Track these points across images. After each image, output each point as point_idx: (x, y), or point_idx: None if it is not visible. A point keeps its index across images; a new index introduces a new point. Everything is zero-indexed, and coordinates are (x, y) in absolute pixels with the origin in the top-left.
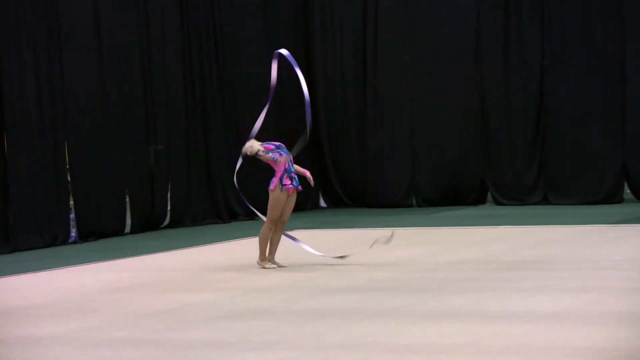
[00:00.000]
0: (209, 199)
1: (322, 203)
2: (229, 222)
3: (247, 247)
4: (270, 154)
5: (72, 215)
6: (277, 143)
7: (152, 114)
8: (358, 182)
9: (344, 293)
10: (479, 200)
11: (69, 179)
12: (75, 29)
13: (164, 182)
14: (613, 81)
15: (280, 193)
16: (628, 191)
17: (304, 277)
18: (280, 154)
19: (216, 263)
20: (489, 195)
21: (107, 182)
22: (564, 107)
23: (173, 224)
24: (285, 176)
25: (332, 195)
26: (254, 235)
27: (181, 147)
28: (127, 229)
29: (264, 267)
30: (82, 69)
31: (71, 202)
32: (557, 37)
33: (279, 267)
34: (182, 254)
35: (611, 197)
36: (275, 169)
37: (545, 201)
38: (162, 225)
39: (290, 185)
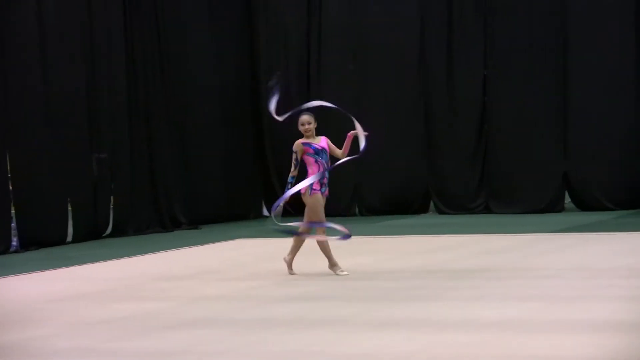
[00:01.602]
0: (152, 208)
1: (265, 212)
2: (172, 231)
3: (190, 257)
4: (311, 158)
5: (13, 224)
6: (320, 147)
7: (95, 123)
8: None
9: (290, 302)
10: (422, 209)
11: (11, 187)
12: (18, 36)
13: (107, 190)
14: (555, 91)
15: (312, 197)
16: (569, 200)
17: (249, 286)
18: (316, 160)
19: (160, 272)
20: (432, 204)
21: (50, 191)
22: (506, 116)
23: (116, 233)
24: (316, 181)
25: None
26: (198, 244)
27: (125, 156)
28: (70, 238)
29: (337, 274)
30: (24, 77)
31: (12, 211)
32: (501, 47)
33: (291, 274)
34: (126, 263)
35: (553, 206)
36: (308, 171)
37: (487, 210)
38: (105, 234)
39: (319, 192)
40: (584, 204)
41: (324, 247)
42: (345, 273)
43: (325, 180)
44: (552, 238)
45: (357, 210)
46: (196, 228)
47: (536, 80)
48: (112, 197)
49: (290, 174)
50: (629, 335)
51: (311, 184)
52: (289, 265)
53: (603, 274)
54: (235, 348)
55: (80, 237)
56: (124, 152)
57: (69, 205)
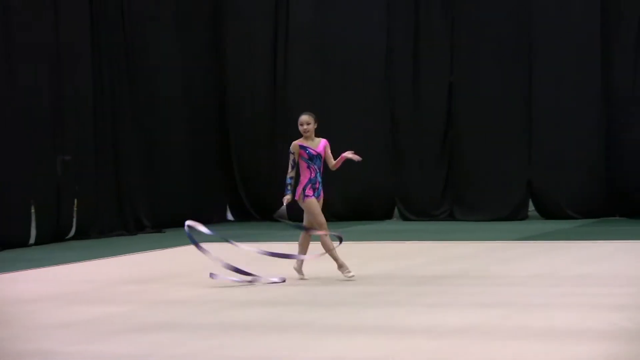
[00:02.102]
0: (116, 211)
1: (230, 216)
2: (136, 234)
3: (154, 260)
4: (305, 162)
5: None
6: (315, 152)
7: (60, 124)
8: (266, 196)
9: (255, 306)
10: (386, 216)
11: None
12: None
13: (70, 193)
14: (520, 99)
15: (306, 201)
16: (532, 208)
17: (214, 290)
18: (309, 166)
19: (123, 275)
20: (396, 211)
21: (13, 193)
22: (471, 124)
23: (79, 236)
24: (308, 187)
25: (240, 209)
26: (161, 248)
27: (89, 159)
28: (32, 240)
29: (347, 277)
30: None
31: None
32: (466, 56)
33: (302, 278)
34: (89, 266)
35: (516, 214)
36: (300, 175)
37: (451, 217)
38: (68, 237)
39: (312, 197)
40: (548, 212)
41: (329, 248)
42: (351, 274)
43: (318, 185)
44: (515, 246)
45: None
46: (160, 232)
47: (501, 88)
48: (75, 199)
49: (288, 175)
50: (591, 343)
51: (304, 190)
52: (299, 271)
53: (565, 282)
54: (197, 352)
55: (43, 239)
56: (89, 154)
57: (32, 207)
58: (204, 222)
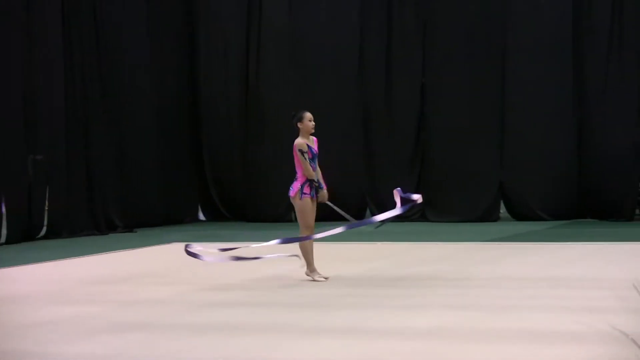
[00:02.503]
0: (88, 210)
1: (202, 216)
2: (107, 234)
3: (125, 260)
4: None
5: None
6: (316, 152)
7: (32, 124)
8: (239, 196)
9: (224, 308)
10: (358, 217)
11: None
12: None
13: (42, 192)
14: (492, 101)
15: (303, 200)
16: (504, 210)
17: (182, 290)
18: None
19: (94, 275)
20: (368, 212)
21: None
22: (444, 125)
23: (50, 235)
24: (307, 185)
25: (212, 208)
26: (133, 247)
27: (61, 158)
28: (3, 239)
29: (315, 280)
30: None
31: None
32: (439, 56)
33: (325, 278)
34: (60, 266)
35: (488, 216)
36: (299, 174)
37: (423, 218)
38: (39, 236)
39: (309, 196)
40: (519, 214)
41: (306, 249)
42: (323, 279)
43: (315, 184)
44: (487, 247)
45: (293, 216)
46: (132, 231)
47: (473, 90)
48: (47, 199)
49: (313, 177)
50: (564, 345)
51: (301, 188)
52: (314, 274)
53: (538, 284)
54: (168, 353)
55: (14, 238)
56: (60, 154)
57: (3, 207)
58: (176, 223)
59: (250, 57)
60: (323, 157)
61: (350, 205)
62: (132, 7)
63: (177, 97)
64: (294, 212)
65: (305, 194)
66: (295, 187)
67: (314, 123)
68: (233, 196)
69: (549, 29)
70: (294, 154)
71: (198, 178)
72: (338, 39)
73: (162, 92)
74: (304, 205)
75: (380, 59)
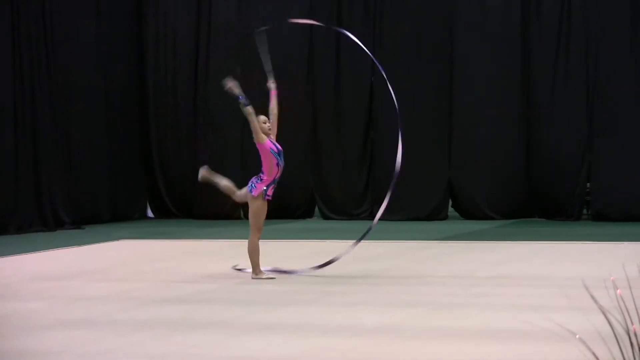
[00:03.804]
0: (35, 206)
1: (150, 213)
2: (55, 230)
3: (73, 257)
4: (275, 158)
5: None
6: (280, 148)
7: None
8: (187, 192)
9: (170, 304)
10: (307, 214)
11: None
12: None
13: None
14: (441, 99)
15: (263, 202)
16: (452, 209)
17: (129, 287)
18: (278, 164)
19: (40, 272)
20: (317, 209)
21: None
22: (392, 123)
23: None
24: (271, 187)
25: (160, 205)
26: (81, 244)
27: (8, 154)
28: None
29: (261, 279)
30: None
31: None
32: (388, 52)
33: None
34: (5, 262)
35: (436, 214)
36: (265, 172)
37: (372, 216)
38: None
39: (269, 198)
40: (467, 213)
41: (255, 251)
42: (272, 277)
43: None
44: (434, 245)
45: (241, 213)
46: (79, 228)
47: (422, 88)
48: None
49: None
50: (508, 342)
51: (266, 189)
52: (260, 275)
53: (483, 282)
54: (113, 349)
55: None
56: (7, 149)
57: None
58: (124, 220)
59: (199, 53)
60: None
61: (299, 203)
62: (81, 2)
63: (125, 91)
64: (244, 210)
65: (268, 196)
66: (259, 187)
67: (268, 124)
68: (181, 193)
69: (497, 28)
70: (260, 151)
71: (146, 174)
72: (287, 38)
73: (110, 87)
74: (262, 208)
75: (329, 57)
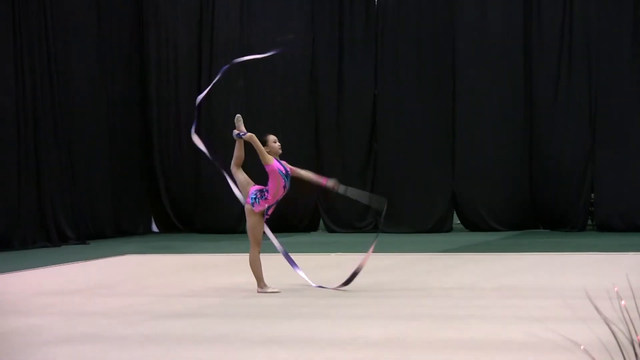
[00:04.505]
0: (39, 222)
1: (155, 228)
2: (59, 245)
3: (78, 272)
4: (282, 180)
5: None
6: (288, 169)
7: None
8: (191, 207)
9: (175, 319)
10: (311, 227)
11: None
12: None
13: None
14: (444, 112)
15: (261, 217)
16: (458, 222)
17: (135, 302)
18: (285, 186)
19: (46, 287)
20: (321, 222)
21: None
22: (395, 136)
23: (1, 247)
24: (273, 207)
25: (165, 220)
26: (85, 259)
27: (11, 170)
28: None
29: (266, 292)
30: None
31: None
32: (390, 65)
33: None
34: (11, 277)
35: (441, 226)
36: (270, 192)
37: (376, 229)
38: None
39: (268, 217)
40: (472, 224)
41: (256, 265)
42: (276, 290)
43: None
44: (439, 257)
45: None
46: (84, 243)
47: (425, 99)
48: None
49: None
50: (513, 354)
51: (267, 208)
52: (265, 289)
53: (488, 294)
54: None
55: None
56: (11, 165)
57: None
58: (128, 234)
59: (202, 65)
60: None
61: (303, 216)
62: (82, 10)
63: (127, 106)
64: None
65: (267, 214)
66: (262, 204)
67: (279, 144)
68: (185, 207)
69: (499, 40)
70: (268, 172)
71: (151, 189)
72: (289, 49)
73: (112, 102)
74: (259, 223)
75: (332, 70)
